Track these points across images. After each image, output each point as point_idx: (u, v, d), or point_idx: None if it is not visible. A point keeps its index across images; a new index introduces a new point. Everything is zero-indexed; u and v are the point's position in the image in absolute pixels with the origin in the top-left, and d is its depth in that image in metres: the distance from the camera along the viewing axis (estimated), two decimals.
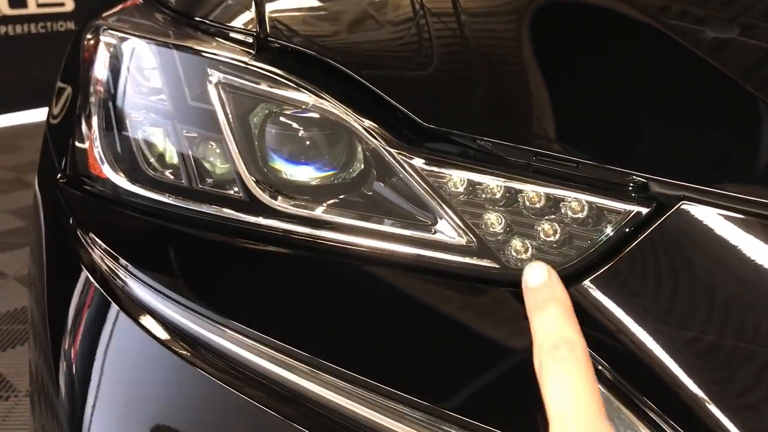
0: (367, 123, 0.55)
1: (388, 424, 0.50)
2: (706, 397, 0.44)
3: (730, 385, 0.45)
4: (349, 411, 0.51)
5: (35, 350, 0.78)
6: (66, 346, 0.67)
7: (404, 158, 0.54)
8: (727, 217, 0.47)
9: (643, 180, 0.49)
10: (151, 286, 0.60)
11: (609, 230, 0.49)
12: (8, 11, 4.73)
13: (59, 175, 0.74)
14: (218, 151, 0.62)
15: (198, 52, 0.63)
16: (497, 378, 0.50)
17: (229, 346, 0.55)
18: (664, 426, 0.45)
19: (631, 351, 0.47)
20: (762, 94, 0.49)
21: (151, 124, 0.66)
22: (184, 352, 0.57)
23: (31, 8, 4.85)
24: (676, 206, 0.47)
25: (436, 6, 0.65)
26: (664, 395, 0.45)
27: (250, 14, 0.64)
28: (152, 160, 0.66)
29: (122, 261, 0.63)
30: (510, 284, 0.51)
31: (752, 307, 0.46)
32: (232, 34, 0.63)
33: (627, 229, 0.49)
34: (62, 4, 4.95)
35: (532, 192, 0.52)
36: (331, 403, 0.51)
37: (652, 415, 0.45)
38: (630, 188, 0.50)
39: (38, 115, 4.92)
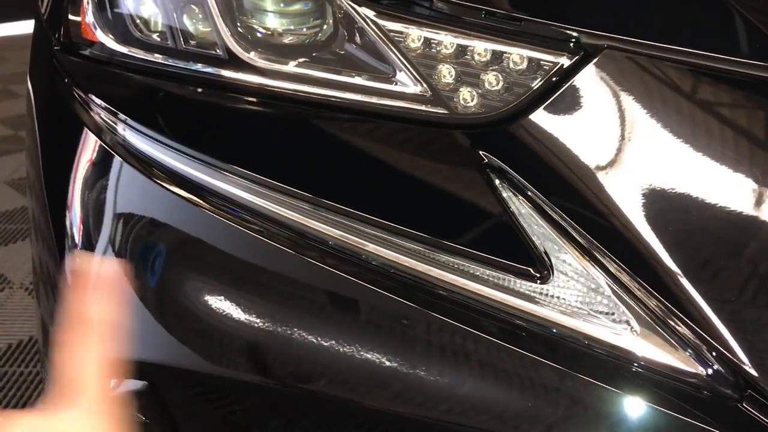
0: None
1: (364, 246, 0.58)
2: (632, 223, 0.52)
3: (653, 211, 0.53)
4: (324, 233, 0.59)
5: (37, 244, 0.85)
6: (69, 218, 0.74)
7: (368, 16, 0.61)
8: (643, 62, 0.54)
9: (574, 33, 0.56)
10: (149, 136, 0.67)
11: (543, 78, 0.57)
12: None
13: (54, 43, 0.80)
14: (200, 15, 0.68)
15: None
16: (449, 198, 0.58)
17: (222, 185, 0.62)
18: (593, 250, 0.53)
19: (562, 179, 0.55)
20: None
21: None
22: (184, 192, 0.64)
23: None
24: (600, 54, 0.55)
25: None
26: (590, 220, 0.53)
27: None
28: (140, 24, 0.72)
29: (121, 116, 0.70)
30: (457, 127, 0.59)
31: (668, 136, 0.54)
32: None
33: (558, 76, 0.56)
34: None
35: (480, 47, 0.58)
36: (301, 224, 0.59)
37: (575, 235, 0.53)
38: (563, 41, 0.56)
39: (23, 27, 4.88)
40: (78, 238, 0.73)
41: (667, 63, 0.53)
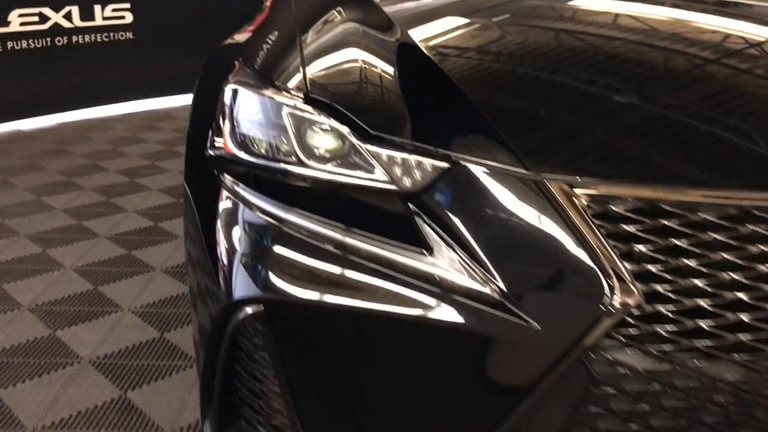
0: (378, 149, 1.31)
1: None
2: None
3: None
4: None
5: (195, 274, 1.41)
6: (220, 252, 1.31)
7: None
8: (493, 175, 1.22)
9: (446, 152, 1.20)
10: (261, 196, 1.31)
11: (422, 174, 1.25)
12: (79, 23, 5.57)
13: (205, 152, 1.52)
14: (282, 139, 1.39)
15: (277, 100, 1.41)
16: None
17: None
18: None
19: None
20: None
21: (253, 129, 1.44)
22: (294, 232, 1.19)
23: (98, 20, 5.69)
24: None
25: None
26: None
27: (300, 77, 1.43)
28: (250, 142, 1.41)
29: (246, 187, 1.35)
30: None
31: None
32: (293, 92, 1.42)
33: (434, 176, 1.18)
34: (123, 17, 5.80)
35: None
36: None
37: None
38: (436, 152, 1.13)
39: (97, 112, 5.58)
40: (230, 264, 1.30)
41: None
